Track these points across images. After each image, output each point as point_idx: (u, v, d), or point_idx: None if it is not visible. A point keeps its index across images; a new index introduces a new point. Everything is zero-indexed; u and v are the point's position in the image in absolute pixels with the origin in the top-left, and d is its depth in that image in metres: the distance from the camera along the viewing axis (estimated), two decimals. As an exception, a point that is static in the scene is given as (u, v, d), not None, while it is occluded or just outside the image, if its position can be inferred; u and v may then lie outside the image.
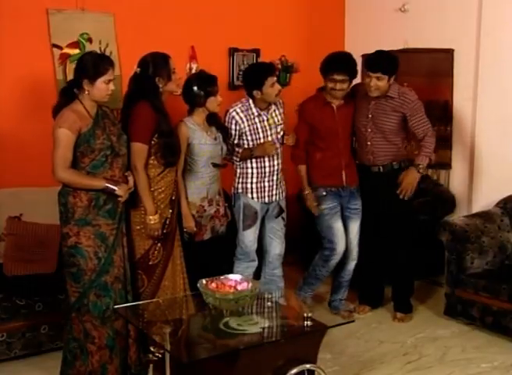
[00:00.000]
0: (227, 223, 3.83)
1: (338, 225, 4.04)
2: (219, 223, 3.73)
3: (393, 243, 4.08)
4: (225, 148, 3.72)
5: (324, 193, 4.02)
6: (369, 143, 4.00)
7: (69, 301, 3.19)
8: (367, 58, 3.94)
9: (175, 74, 3.39)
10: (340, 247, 4.03)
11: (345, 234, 4.10)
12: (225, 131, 3.74)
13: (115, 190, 3.09)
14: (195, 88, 3.54)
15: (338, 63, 3.87)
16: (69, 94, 3.14)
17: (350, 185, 4.05)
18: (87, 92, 3.08)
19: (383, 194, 4.02)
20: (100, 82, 3.06)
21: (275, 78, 3.82)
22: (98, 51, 4.16)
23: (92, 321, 3.14)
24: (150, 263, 3.37)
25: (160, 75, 3.32)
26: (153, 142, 3.29)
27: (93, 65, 3.07)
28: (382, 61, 3.85)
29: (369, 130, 3.98)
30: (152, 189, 3.32)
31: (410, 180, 3.93)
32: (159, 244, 3.38)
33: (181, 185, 3.54)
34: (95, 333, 3.15)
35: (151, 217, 3.29)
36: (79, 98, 3.10)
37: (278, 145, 3.91)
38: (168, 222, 3.39)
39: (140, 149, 3.25)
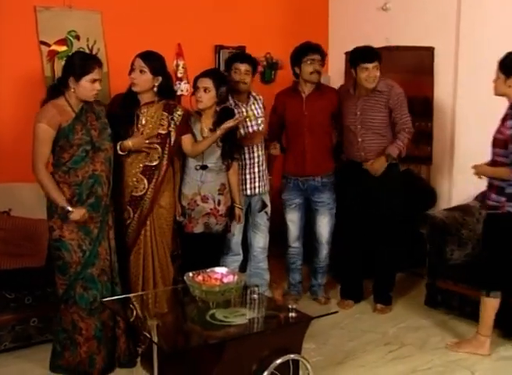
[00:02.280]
0: (226, 223, 3.73)
1: (290, 216, 4.15)
2: (215, 221, 3.65)
3: (380, 237, 4.09)
4: (216, 149, 3.59)
5: (285, 183, 4.11)
6: (360, 139, 3.98)
7: (57, 294, 3.19)
8: (356, 52, 3.94)
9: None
10: (291, 236, 4.17)
11: (313, 226, 4.17)
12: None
13: (69, 212, 3.05)
14: None
15: (311, 47, 3.98)
16: (56, 91, 3.13)
17: (313, 178, 4.05)
18: (72, 90, 3.06)
19: (375, 190, 4.00)
20: (85, 81, 3.05)
21: (245, 67, 3.77)
22: (86, 49, 4.17)
23: (79, 312, 3.14)
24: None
25: None
26: None
27: (79, 63, 3.07)
28: (373, 51, 3.89)
29: (359, 126, 3.97)
30: None
31: (376, 167, 3.95)
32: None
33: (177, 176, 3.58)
34: (82, 325, 3.15)
35: None
36: (64, 95, 3.09)
37: None
38: (124, 215, 3.39)
39: None
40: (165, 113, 3.40)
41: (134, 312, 3.09)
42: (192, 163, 3.59)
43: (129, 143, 3.31)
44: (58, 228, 3.10)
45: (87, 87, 3.06)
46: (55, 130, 3.01)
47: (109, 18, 4.29)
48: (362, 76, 3.86)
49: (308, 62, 3.93)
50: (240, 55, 4.08)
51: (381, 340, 3.74)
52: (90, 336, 3.16)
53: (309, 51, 3.95)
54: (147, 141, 3.33)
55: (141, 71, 3.30)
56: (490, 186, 3.44)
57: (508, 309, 3.51)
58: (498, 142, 3.34)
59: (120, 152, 3.31)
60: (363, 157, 4.02)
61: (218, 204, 3.65)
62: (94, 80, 3.07)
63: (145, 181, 3.38)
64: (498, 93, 3.39)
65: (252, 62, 3.87)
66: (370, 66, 3.82)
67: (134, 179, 3.38)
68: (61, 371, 3.23)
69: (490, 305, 3.45)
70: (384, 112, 3.95)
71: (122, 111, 3.31)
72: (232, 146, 3.63)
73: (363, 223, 4.10)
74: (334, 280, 4.51)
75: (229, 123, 3.45)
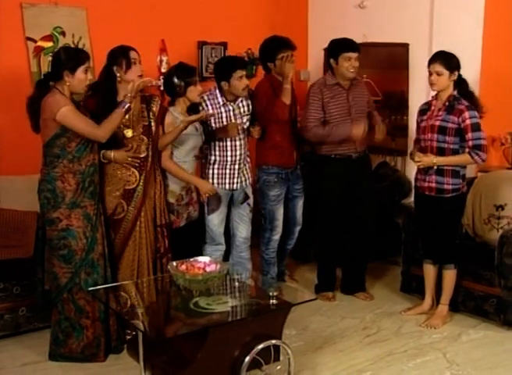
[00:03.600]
0: (199, 207, 3.78)
1: (281, 211, 4.16)
2: (193, 208, 3.71)
3: (364, 229, 4.10)
4: (203, 138, 3.70)
5: (275, 179, 4.05)
6: None
7: (59, 284, 3.18)
8: (340, 42, 3.93)
9: (136, 65, 3.32)
10: (280, 227, 4.18)
11: (293, 211, 4.25)
12: (205, 122, 3.66)
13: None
14: (174, 78, 3.53)
15: (286, 43, 3.97)
16: (44, 86, 3.12)
17: (296, 166, 4.14)
18: (68, 84, 3.06)
19: (364, 183, 4.03)
20: (80, 71, 3.07)
21: (244, 72, 3.76)
22: (72, 45, 4.17)
23: (85, 297, 3.18)
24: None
25: (118, 64, 3.30)
26: None
27: (73, 56, 3.10)
28: (355, 42, 3.90)
29: (355, 114, 3.93)
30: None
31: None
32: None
33: (175, 167, 3.55)
34: (89, 308, 3.19)
35: None
36: (58, 89, 3.08)
37: (242, 136, 3.86)
38: (118, 209, 3.35)
39: None
40: (143, 105, 3.44)
41: (121, 301, 3.09)
42: (189, 151, 3.59)
43: (111, 155, 3.30)
44: (66, 218, 3.12)
45: (81, 78, 3.08)
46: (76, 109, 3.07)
47: (94, 14, 4.26)
48: (345, 66, 3.84)
49: (285, 57, 3.89)
50: (243, 61, 3.93)
51: (358, 325, 3.77)
52: (96, 318, 3.21)
53: (285, 47, 3.93)
54: (129, 159, 3.33)
55: None
56: (439, 172, 3.54)
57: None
58: (449, 130, 3.47)
59: (102, 160, 3.29)
60: (356, 149, 3.97)
61: (192, 191, 3.70)
62: (86, 70, 3.10)
63: (136, 173, 3.37)
64: (442, 88, 3.56)
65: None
66: (354, 55, 3.83)
67: (128, 173, 3.36)
68: (62, 359, 3.24)
69: (454, 276, 3.69)
70: (367, 100, 4.01)
71: (103, 109, 3.22)
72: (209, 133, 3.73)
73: (347, 215, 4.08)
74: (293, 261, 4.70)
75: (192, 117, 3.49)
